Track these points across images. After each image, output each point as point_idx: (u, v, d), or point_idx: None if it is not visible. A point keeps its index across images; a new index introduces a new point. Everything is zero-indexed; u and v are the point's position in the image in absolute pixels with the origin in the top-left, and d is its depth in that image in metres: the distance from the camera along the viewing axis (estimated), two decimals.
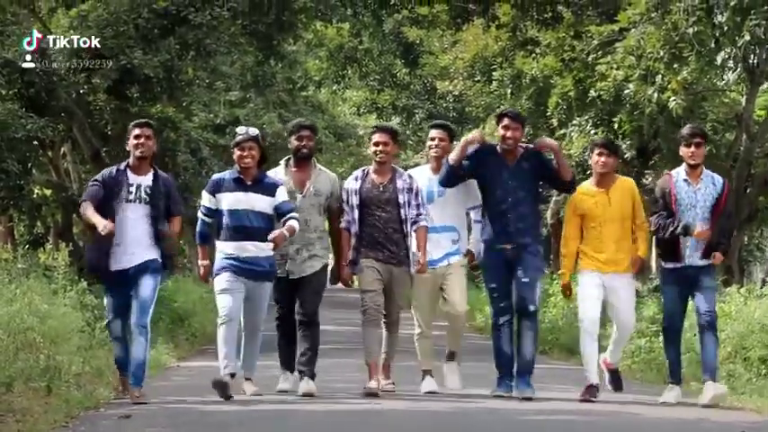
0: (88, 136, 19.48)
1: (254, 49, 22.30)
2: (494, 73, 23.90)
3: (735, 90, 17.97)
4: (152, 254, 9.15)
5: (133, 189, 9.15)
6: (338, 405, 9.02)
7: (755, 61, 17.40)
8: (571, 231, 9.88)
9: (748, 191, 20.16)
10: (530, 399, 9.42)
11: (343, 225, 9.84)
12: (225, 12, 18.36)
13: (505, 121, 9.90)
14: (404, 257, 9.73)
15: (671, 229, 9.56)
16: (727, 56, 16.41)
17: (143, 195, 9.15)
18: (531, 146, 10.05)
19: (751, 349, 10.56)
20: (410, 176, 9.90)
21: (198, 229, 9.68)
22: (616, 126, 18.42)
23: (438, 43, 28.49)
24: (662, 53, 17.49)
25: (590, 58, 20.22)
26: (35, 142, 19.23)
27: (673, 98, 17.28)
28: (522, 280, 9.61)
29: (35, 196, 22.71)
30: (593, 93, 19.44)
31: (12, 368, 8.56)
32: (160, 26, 17.83)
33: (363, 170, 10.02)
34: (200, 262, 9.90)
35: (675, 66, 17.47)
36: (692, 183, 9.67)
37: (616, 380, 10.23)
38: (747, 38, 15.90)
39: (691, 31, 16.84)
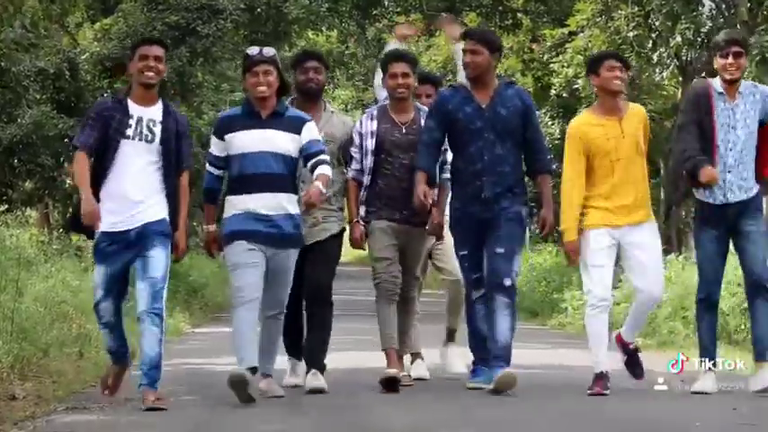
0: None
1: None
2: None
3: (670, 84, 18.01)
4: (159, 212, 6.14)
5: (133, 122, 6.10)
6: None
7: (687, 59, 17.46)
8: (574, 176, 6.63)
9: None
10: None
11: (351, 174, 6.96)
12: (228, 24, 18.29)
13: (467, 44, 6.67)
14: (424, 215, 6.83)
15: (685, 164, 6.55)
16: (662, 55, 16.49)
17: (146, 132, 6.12)
18: (509, 79, 7.08)
19: (688, 309, 10.52)
20: None
21: (205, 184, 6.57)
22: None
23: (414, 48, 28.39)
24: None
25: (545, 58, 20.33)
26: (66, 139, 19.09)
27: None
28: (496, 251, 6.58)
29: (67, 186, 22.58)
30: (552, 92, 19.54)
31: (48, 336, 8.43)
32: (172, 37, 17.69)
33: (380, 108, 7.07)
34: (205, 226, 6.80)
35: None
36: (728, 99, 6.55)
37: (634, 364, 6.91)
38: (679, 39, 16.01)
39: (631, 34, 16.91)
